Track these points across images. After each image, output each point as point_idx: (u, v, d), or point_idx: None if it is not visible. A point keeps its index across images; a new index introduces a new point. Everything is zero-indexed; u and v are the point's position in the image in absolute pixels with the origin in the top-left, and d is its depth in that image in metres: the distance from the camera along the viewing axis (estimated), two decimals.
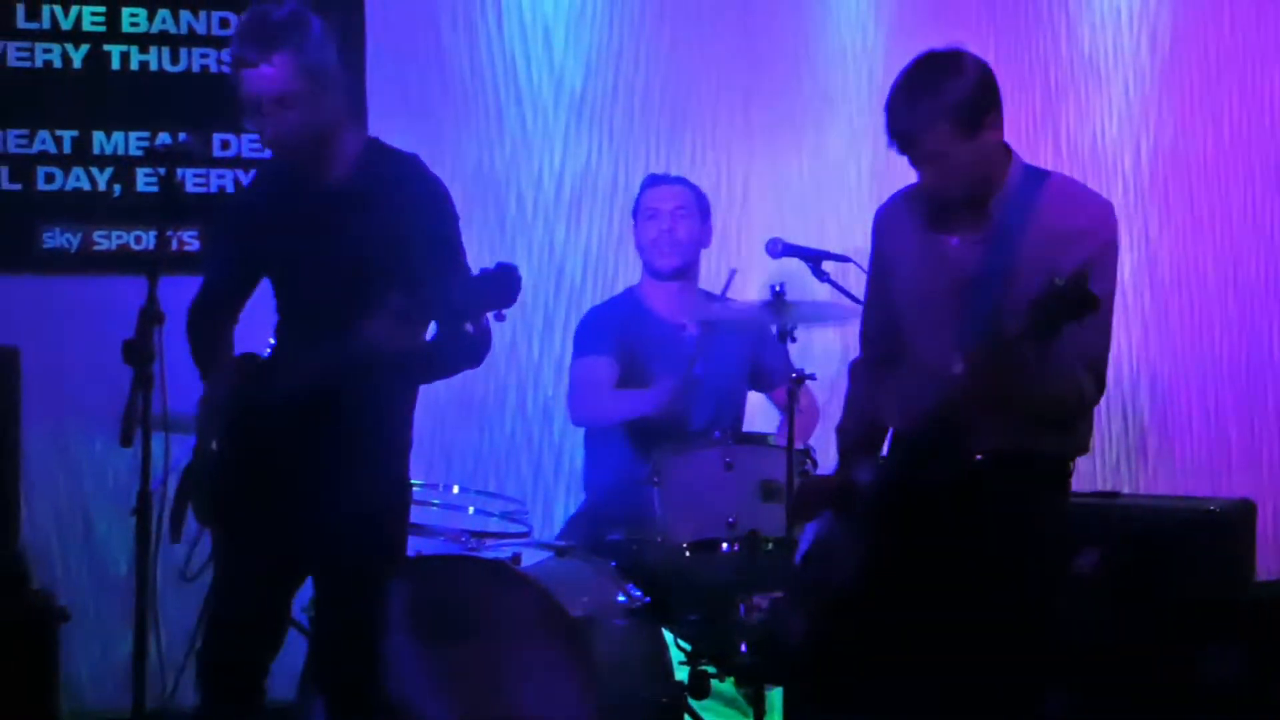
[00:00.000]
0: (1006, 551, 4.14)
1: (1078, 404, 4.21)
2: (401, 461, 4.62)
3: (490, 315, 4.18)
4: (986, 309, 4.13)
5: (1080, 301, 3.78)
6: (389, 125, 6.64)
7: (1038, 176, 4.25)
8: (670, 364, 5.85)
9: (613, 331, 6.00)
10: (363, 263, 4.33)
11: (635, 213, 6.14)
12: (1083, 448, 4.31)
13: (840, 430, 4.55)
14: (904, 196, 4.42)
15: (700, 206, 6.07)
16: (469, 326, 4.17)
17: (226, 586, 4.45)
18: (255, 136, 5.17)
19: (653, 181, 6.16)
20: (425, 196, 4.47)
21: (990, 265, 4.17)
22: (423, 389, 6.61)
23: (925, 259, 4.29)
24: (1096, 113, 6.80)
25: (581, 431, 6.26)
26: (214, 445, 4.43)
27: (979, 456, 4.17)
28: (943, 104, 4.09)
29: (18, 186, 6.41)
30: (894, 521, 4.24)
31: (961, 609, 4.10)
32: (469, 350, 4.44)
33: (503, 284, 4.11)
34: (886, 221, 4.46)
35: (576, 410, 6.07)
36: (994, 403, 4.04)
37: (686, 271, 6.05)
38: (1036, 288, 3.88)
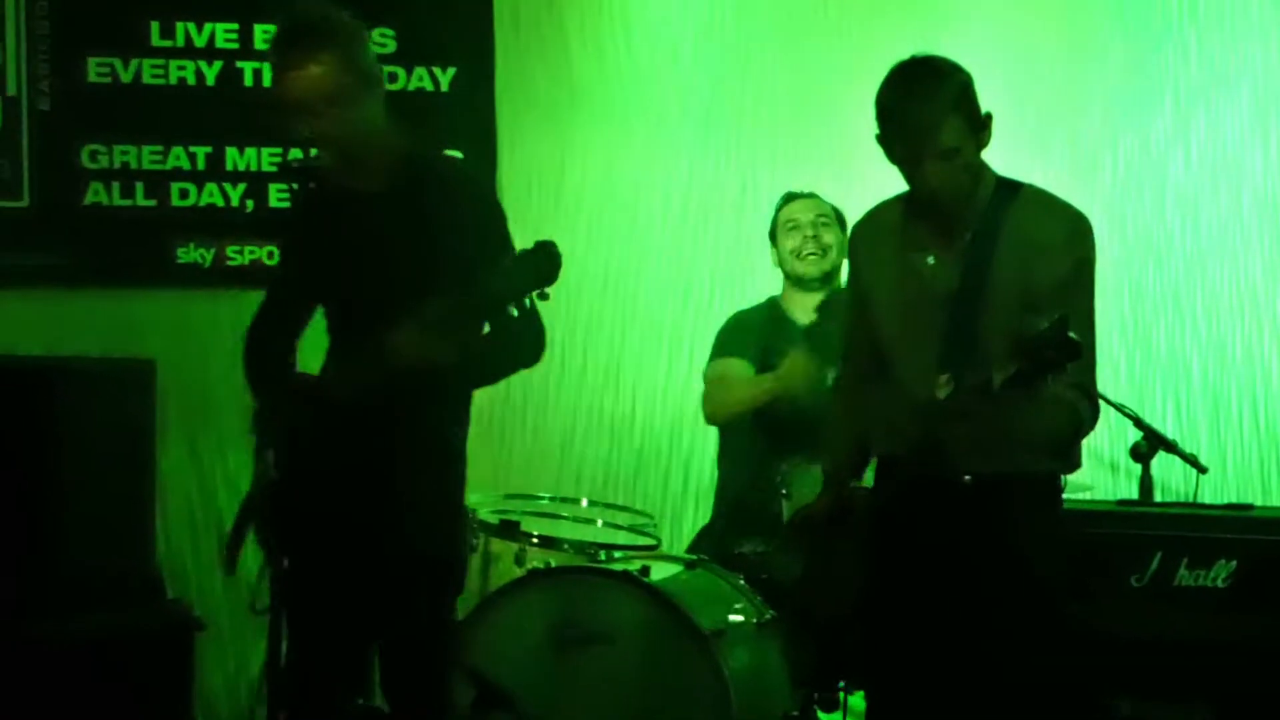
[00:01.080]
0: (1002, 573, 4.08)
1: (1075, 433, 4.15)
2: (451, 469, 4.50)
3: (534, 297, 4.11)
4: (965, 326, 4.07)
5: (1063, 349, 3.69)
6: (517, 138, 6.75)
7: (1011, 188, 4.19)
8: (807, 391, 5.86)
9: (753, 336, 6.00)
10: (403, 271, 4.30)
11: (773, 230, 6.15)
12: (1075, 466, 4.26)
13: (824, 452, 4.51)
14: (879, 212, 4.36)
15: (837, 217, 6.09)
16: (513, 310, 4.11)
17: (297, 624, 4.39)
18: None
19: (790, 197, 6.18)
20: (465, 199, 4.42)
21: (966, 281, 4.10)
22: (555, 404, 6.76)
23: (902, 276, 4.22)
24: (1226, 125, 6.74)
25: (711, 444, 6.27)
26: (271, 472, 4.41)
27: (967, 477, 4.11)
28: (954, 96, 4.07)
29: (153, 203, 6.48)
30: (886, 544, 4.20)
31: (961, 631, 4.07)
32: (517, 342, 4.36)
33: (541, 261, 4.05)
34: (862, 238, 4.39)
35: (710, 405, 6.05)
36: (984, 437, 4.00)
37: (831, 279, 6.05)
38: (1013, 303, 3.87)
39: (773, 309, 6.14)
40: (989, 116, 4.12)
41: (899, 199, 4.28)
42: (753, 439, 5.94)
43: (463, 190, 4.44)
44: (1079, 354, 3.71)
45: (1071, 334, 3.69)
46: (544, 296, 4.10)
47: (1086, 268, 4.12)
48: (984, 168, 4.18)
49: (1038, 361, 3.72)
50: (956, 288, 4.11)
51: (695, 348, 6.32)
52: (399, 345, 4.17)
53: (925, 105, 4.05)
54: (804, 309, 6.02)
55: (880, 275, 4.28)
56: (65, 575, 4.64)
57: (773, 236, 6.16)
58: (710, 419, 6.09)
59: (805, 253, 6.04)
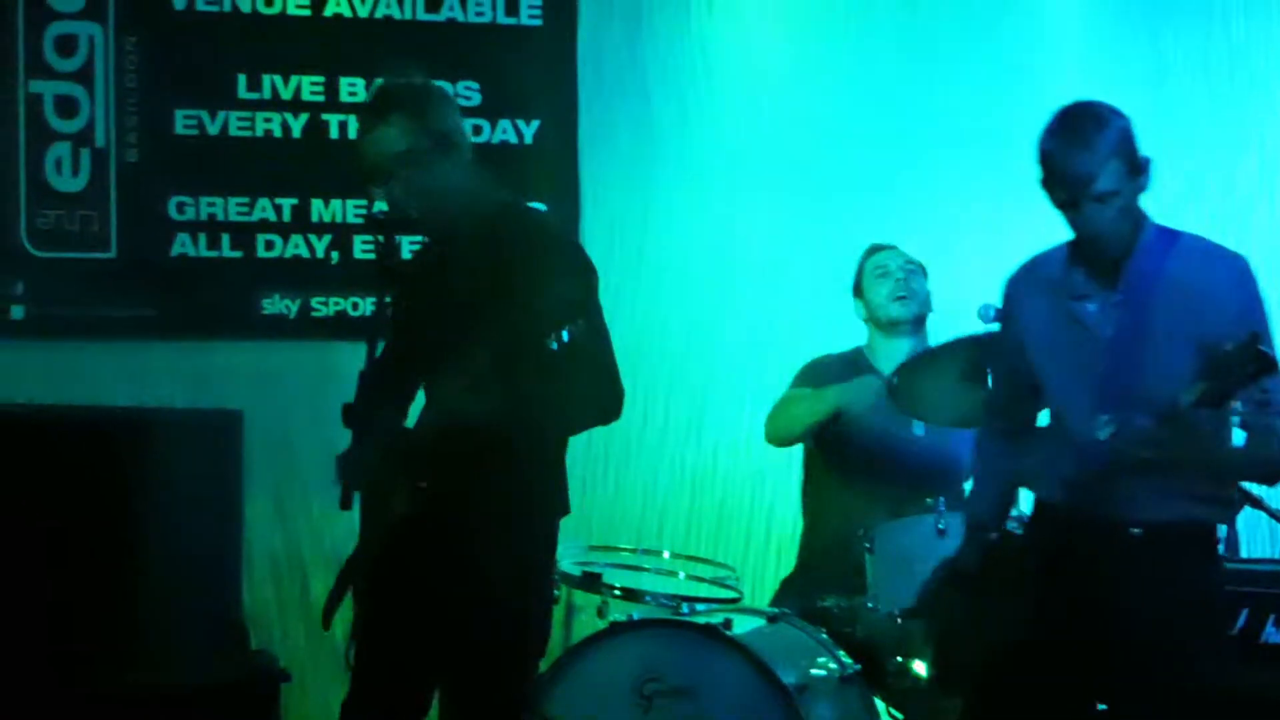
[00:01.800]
0: (1170, 625, 4.09)
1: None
2: (523, 524, 4.47)
3: (573, 331, 4.10)
4: (1125, 370, 4.10)
5: (1256, 364, 3.71)
6: (600, 191, 6.78)
7: (1169, 236, 4.22)
8: (891, 420, 5.85)
9: (832, 378, 5.99)
10: (475, 327, 4.30)
11: (858, 282, 6.15)
12: (1235, 514, 4.26)
13: (969, 502, 4.51)
14: (1037, 261, 4.40)
15: (922, 269, 6.11)
16: (552, 343, 4.10)
17: (365, 673, 4.45)
18: None
19: (875, 248, 6.20)
20: (548, 259, 4.39)
21: (1128, 328, 4.14)
22: (637, 456, 6.77)
23: (1062, 325, 4.25)
24: None
25: (793, 497, 6.26)
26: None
27: (1136, 530, 4.12)
28: (1115, 140, 4.10)
29: (239, 254, 6.52)
30: (1045, 592, 4.20)
31: (1121, 681, 4.08)
32: (569, 383, 4.26)
33: (564, 292, 4.10)
34: (1017, 289, 4.43)
35: (772, 422, 6.05)
36: (1170, 470, 4.00)
37: (919, 326, 6.06)
38: (1177, 348, 3.87)
39: (856, 357, 6.14)
40: (1148, 161, 4.17)
41: (1059, 247, 4.34)
42: (835, 491, 5.95)
43: (548, 250, 4.44)
44: (1274, 367, 3.74)
45: (1263, 348, 3.72)
46: (576, 330, 4.09)
47: (1256, 305, 4.15)
48: (1142, 214, 4.20)
49: (1229, 378, 3.75)
50: (1118, 335, 4.15)
51: (776, 391, 6.32)
52: (448, 396, 4.21)
53: (1085, 150, 4.10)
54: (890, 359, 6.01)
55: (1039, 321, 4.33)
56: (152, 626, 4.66)
57: (857, 289, 6.17)
58: (770, 435, 6.07)
59: (897, 296, 6.04)
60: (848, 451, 5.94)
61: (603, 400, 4.43)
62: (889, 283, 6.07)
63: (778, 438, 6.03)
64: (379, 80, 4.63)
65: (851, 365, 6.07)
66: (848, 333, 6.38)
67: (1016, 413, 4.45)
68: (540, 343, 4.06)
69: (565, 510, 4.60)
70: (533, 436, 4.41)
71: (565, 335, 4.07)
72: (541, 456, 4.49)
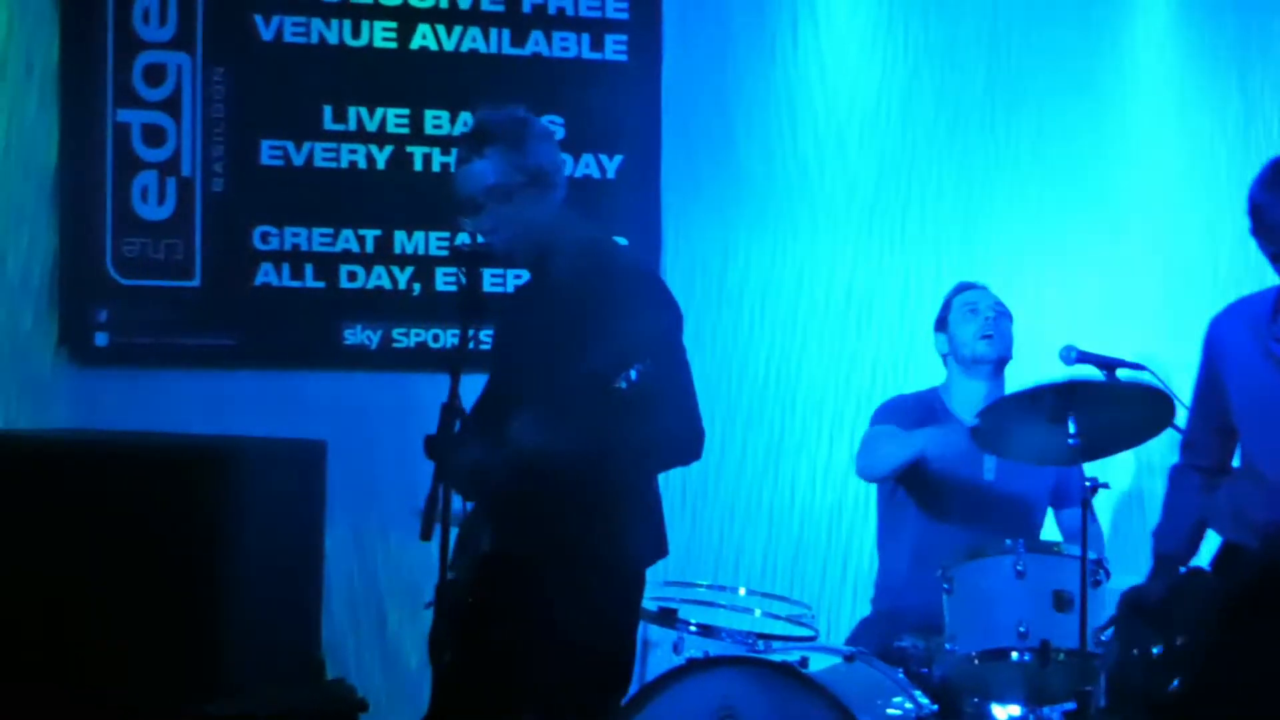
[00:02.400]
0: None
1: None
2: (610, 568, 4.47)
3: (642, 371, 4.11)
4: None
5: None
6: (682, 227, 6.79)
7: None
8: (961, 463, 5.85)
9: (910, 417, 5.98)
10: (550, 363, 4.33)
11: (944, 317, 6.14)
12: None
13: (1158, 535, 4.49)
14: (1240, 306, 4.39)
15: (1009, 314, 6.10)
16: (620, 383, 4.11)
17: (441, 711, 4.45)
18: None
19: (967, 286, 6.19)
20: (630, 298, 4.39)
21: None
22: (714, 492, 6.77)
23: (1266, 370, 4.23)
24: None
25: (870, 534, 6.26)
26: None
27: None
28: None
29: (321, 284, 6.56)
30: (1231, 635, 4.19)
31: None
32: (645, 424, 4.27)
33: (643, 323, 4.11)
34: (1221, 332, 4.44)
35: (861, 458, 6.05)
36: None
37: (999, 369, 6.04)
38: None
39: (933, 399, 6.13)
40: None
41: (1268, 291, 4.34)
42: (912, 531, 5.94)
43: (628, 287, 4.43)
44: None
45: None
46: (644, 369, 4.10)
47: None
48: None
49: None
50: None
51: (855, 437, 6.31)
52: (518, 432, 4.23)
53: None
54: (968, 401, 6.00)
55: (1242, 366, 4.35)
56: (233, 655, 4.67)
57: (942, 324, 6.15)
58: (862, 472, 6.07)
59: (984, 334, 6.03)
60: (924, 492, 5.94)
61: (680, 441, 4.43)
62: (977, 321, 6.05)
63: (867, 475, 6.03)
64: (479, 112, 4.64)
65: (927, 406, 6.06)
66: (925, 371, 6.38)
67: (1211, 451, 4.44)
68: (609, 382, 4.06)
69: (660, 553, 4.60)
70: (608, 476, 4.40)
71: (634, 375, 4.07)
72: (623, 497, 4.48)
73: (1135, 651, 4.40)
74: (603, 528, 4.41)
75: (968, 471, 5.96)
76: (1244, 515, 4.16)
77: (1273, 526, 4.07)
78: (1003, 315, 6.09)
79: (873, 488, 6.23)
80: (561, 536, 4.38)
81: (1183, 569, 4.45)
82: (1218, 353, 4.42)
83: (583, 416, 4.18)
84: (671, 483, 6.58)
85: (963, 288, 6.21)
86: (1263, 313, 4.29)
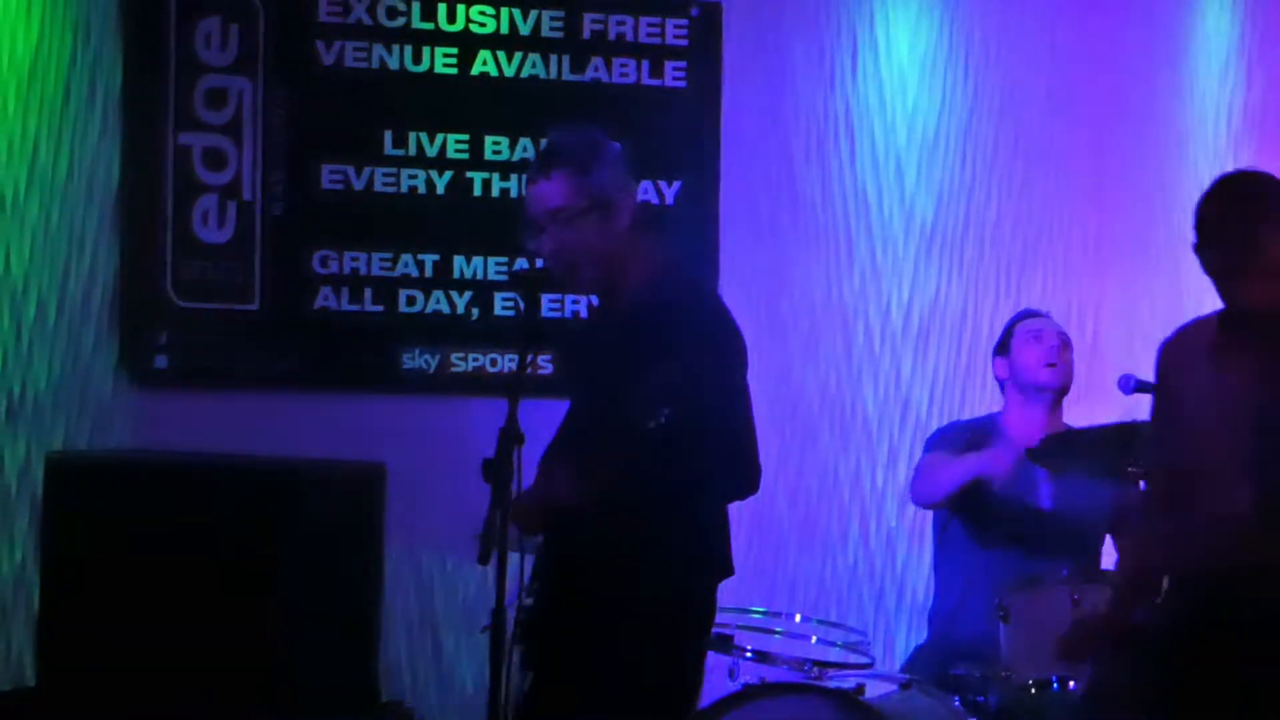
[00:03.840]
0: None
1: None
2: (670, 593, 4.47)
3: (665, 417, 4.11)
4: (1276, 445, 4.05)
5: None
6: (740, 253, 6.81)
7: None
8: (1017, 490, 5.85)
9: (966, 444, 5.99)
10: (606, 394, 4.34)
11: (1005, 342, 6.12)
12: None
13: (1120, 566, 4.49)
14: (1189, 331, 4.34)
15: (1072, 344, 6.10)
16: (650, 424, 4.11)
17: None
18: None
19: (1030, 313, 6.19)
20: (673, 329, 4.36)
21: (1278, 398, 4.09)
22: (769, 519, 6.78)
23: (1216, 395, 4.20)
24: None
25: (925, 562, 6.26)
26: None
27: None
28: (1275, 209, 4.06)
29: (380, 308, 6.59)
30: (1192, 663, 4.16)
31: None
32: (696, 462, 4.28)
33: (665, 374, 4.10)
34: (1172, 356, 4.37)
35: (915, 485, 6.06)
36: None
37: (1059, 399, 6.04)
38: None
39: (990, 426, 6.13)
40: None
41: (1211, 318, 4.29)
42: (968, 558, 5.94)
43: (686, 322, 4.40)
44: None
45: None
46: (674, 413, 4.10)
47: None
48: None
49: None
50: (1268, 403, 4.11)
51: (911, 464, 6.32)
52: (554, 483, 4.28)
53: (1244, 220, 4.07)
54: (1026, 428, 6.00)
55: (1189, 393, 4.28)
56: (291, 676, 4.70)
57: (1003, 349, 6.14)
58: (916, 499, 6.10)
59: (1048, 363, 6.03)
60: (979, 520, 5.94)
61: (725, 481, 4.44)
62: (1041, 348, 6.05)
63: (921, 502, 6.04)
64: (553, 132, 4.66)
65: (983, 433, 6.06)
66: (982, 398, 6.40)
67: (1167, 482, 4.40)
68: (640, 425, 4.09)
69: (725, 571, 4.62)
70: (661, 508, 4.40)
71: (663, 418, 4.10)
72: (680, 525, 4.47)
73: (1093, 684, 4.39)
74: (662, 554, 4.42)
75: (1024, 499, 5.97)
76: (1192, 547, 4.13)
77: (1219, 557, 4.04)
78: (1066, 344, 6.09)
79: (928, 515, 6.23)
80: (621, 563, 4.40)
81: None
82: (1168, 378, 4.36)
83: (619, 462, 4.21)
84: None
85: (1026, 314, 6.21)
86: (1209, 337, 4.24)
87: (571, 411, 4.61)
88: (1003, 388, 6.18)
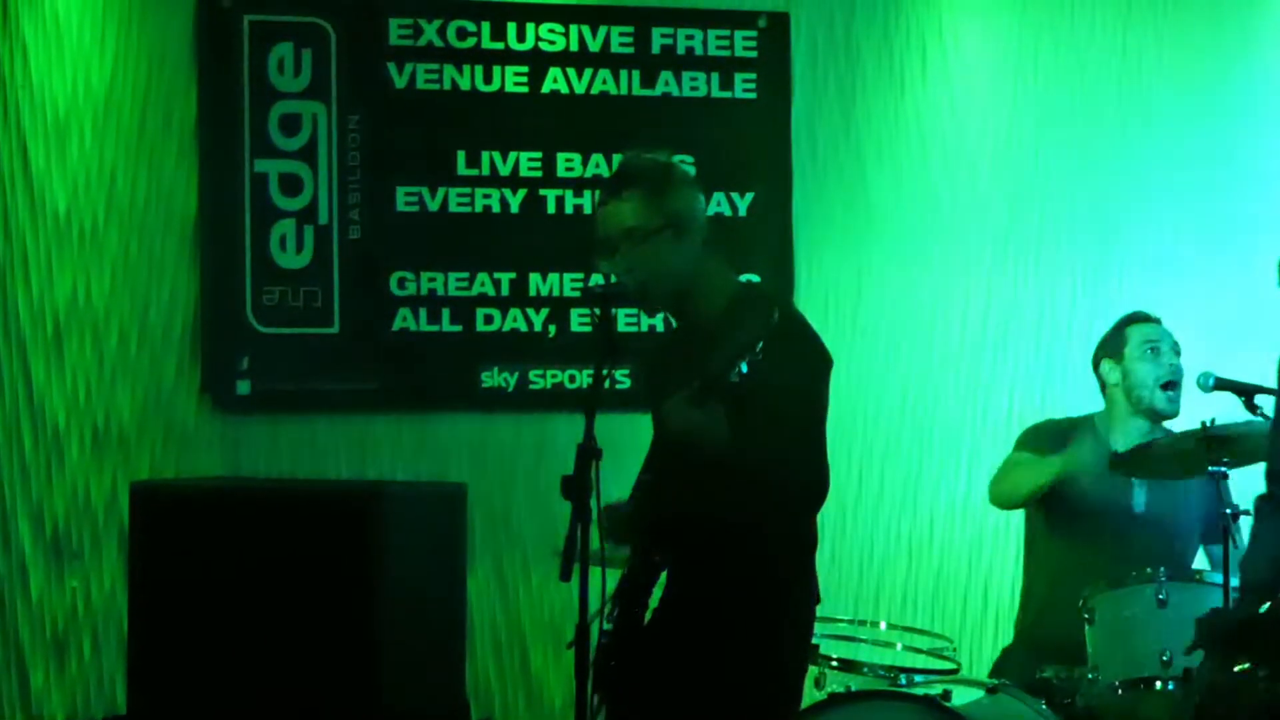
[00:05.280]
0: None
1: None
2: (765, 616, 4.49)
3: (752, 362, 4.11)
4: None
5: None
6: (814, 262, 6.82)
7: None
8: (1110, 493, 5.82)
9: (1057, 442, 5.92)
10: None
11: (1116, 347, 6.01)
12: None
13: (1244, 566, 4.47)
14: None
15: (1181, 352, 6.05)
16: (733, 375, 4.11)
17: None
18: None
19: (1143, 317, 6.05)
20: (746, 318, 4.32)
21: None
22: (852, 526, 6.79)
23: None
24: None
25: (1010, 565, 6.25)
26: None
27: None
28: None
29: (458, 328, 6.63)
30: None
31: None
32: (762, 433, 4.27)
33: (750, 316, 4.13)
34: None
35: (995, 487, 6.02)
36: None
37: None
38: None
39: (1089, 427, 6.06)
40: None
41: None
42: (1055, 560, 5.92)
43: (774, 338, 4.31)
44: None
45: None
46: (754, 359, 4.10)
47: None
48: None
49: None
50: None
51: (993, 469, 6.31)
52: (667, 411, 4.25)
53: None
54: (1128, 438, 5.94)
55: None
56: (383, 697, 4.70)
57: (1114, 353, 6.02)
58: (993, 499, 6.03)
59: (1165, 382, 5.95)
60: (1070, 520, 5.89)
61: (800, 478, 4.41)
62: (1160, 366, 5.94)
63: (1000, 502, 5.99)
64: (626, 154, 4.70)
65: (1077, 434, 5.99)
66: (1063, 400, 6.37)
67: None
68: (725, 380, 4.10)
69: (814, 599, 4.63)
70: (765, 515, 4.42)
71: (744, 367, 4.12)
72: (783, 538, 4.50)
73: (1215, 685, 4.36)
74: (763, 568, 4.45)
75: (1117, 502, 5.91)
76: None
77: None
78: (1179, 355, 5.98)
79: (1013, 517, 6.22)
80: (719, 575, 4.44)
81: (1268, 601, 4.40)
82: None
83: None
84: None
85: (1139, 319, 6.03)
86: None
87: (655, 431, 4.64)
88: (1103, 388, 6.09)
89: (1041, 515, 5.98)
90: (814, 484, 4.44)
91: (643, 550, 4.50)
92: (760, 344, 4.10)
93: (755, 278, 6.51)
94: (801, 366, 4.43)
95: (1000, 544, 6.82)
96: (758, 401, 4.19)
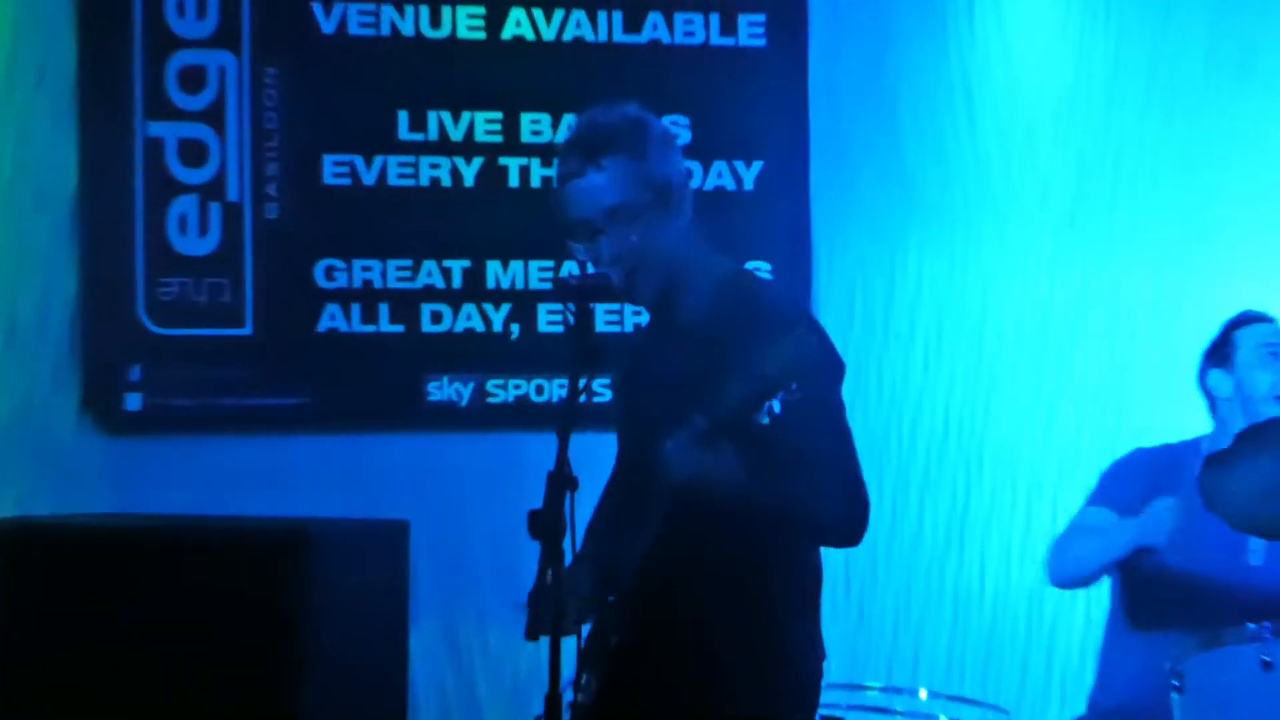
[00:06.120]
0: None
1: None
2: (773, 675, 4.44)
3: (787, 399, 4.06)
4: None
5: None
6: (837, 247, 6.82)
7: None
8: (1216, 546, 5.78)
9: (1144, 483, 5.83)
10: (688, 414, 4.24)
11: (1232, 355, 5.97)
12: None
13: None
14: None
15: None
16: (763, 416, 4.05)
17: None
18: None
19: (1257, 317, 5.99)
20: (764, 329, 4.24)
21: None
22: (885, 573, 6.79)
23: None
24: None
25: (1078, 619, 6.27)
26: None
27: None
28: None
29: (399, 328, 6.64)
30: None
31: None
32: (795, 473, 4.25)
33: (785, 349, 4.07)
34: None
35: (1051, 561, 5.96)
36: None
37: None
38: None
39: (1193, 453, 5.90)
40: None
41: None
42: (1140, 621, 5.88)
43: (778, 334, 4.23)
44: None
45: None
46: (790, 397, 4.06)
47: None
48: None
49: None
50: None
51: (1060, 500, 6.31)
52: (672, 452, 4.19)
53: None
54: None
55: None
56: None
57: (1225, 361, 5.98)
58: (1053, 577, 5.96)
59: None
60: (1160, 586, 5.84)
61: (837, 510, 4.35)
62: None
63: (1061, 582, 5.93)
64: (587, 112, 4.62)
65: (1180, 467, 5.90)
66: (1148, 418, 6.35)
67: None
68: (750, 418, 4.07)
69: (820, 654, 4.57)
70: (765, 555, 4.39)
71: (777, 405, 4.09)
72: (785, 583, 4.47)
73: None
74: (764, 617, 4.41)
75: (1231, 556, 5.87)
76: None
77: None
78: None
79: None
80: (715, 629, 4.39)
81: None
82: None
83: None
84: (833, 564, 6.59)
85: (1250, 319, 6.00)
86: None
87: (633, 450, 4.60)
88: (1213, 406, 6.05)
89: (1122, 579, 5.93)
90: (861, 507, 4.37)
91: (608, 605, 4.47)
92: (796, 384, 4.07)
93: (764, 266, 6.51)
94: (835, 387, 4.39)
95: (1067, 594, 6.77)
96: (791, 442, 4.16)
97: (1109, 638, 6.03)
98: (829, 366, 4.35)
